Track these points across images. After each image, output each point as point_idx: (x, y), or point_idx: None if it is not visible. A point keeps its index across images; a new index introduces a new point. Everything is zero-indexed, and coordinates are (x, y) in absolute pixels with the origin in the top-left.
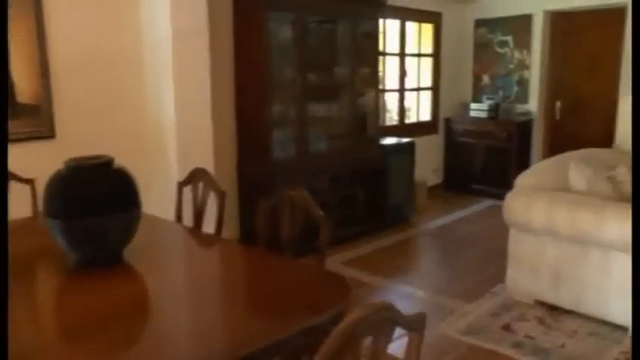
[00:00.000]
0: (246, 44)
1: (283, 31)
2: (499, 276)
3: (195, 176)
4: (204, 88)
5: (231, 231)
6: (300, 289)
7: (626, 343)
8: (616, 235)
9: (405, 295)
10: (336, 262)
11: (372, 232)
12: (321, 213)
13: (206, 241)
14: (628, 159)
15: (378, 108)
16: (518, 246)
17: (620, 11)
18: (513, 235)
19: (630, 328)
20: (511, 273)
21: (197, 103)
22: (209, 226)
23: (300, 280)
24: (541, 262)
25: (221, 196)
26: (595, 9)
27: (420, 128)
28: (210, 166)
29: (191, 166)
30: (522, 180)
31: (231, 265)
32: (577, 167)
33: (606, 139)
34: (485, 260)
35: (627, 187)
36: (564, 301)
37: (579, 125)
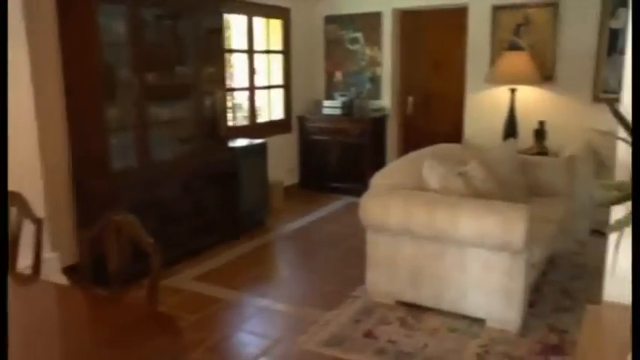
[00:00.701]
0: (73, 40)
1: (117, 27)
2: (360, 277)
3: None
4: (24, 91)
5: (69, 257)
6: (121, 338)
7: (484, 336)
8: (470, 231)
9: (262, 309)
10: (187, 278)
11: (227, 240)
12: (151, 240)
13: (14, 281)
14: (478, 154)
15: (226, 108)
16: (376, 247)
17: (462, 11)
18: (371, 236)
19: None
20: (370, 275)
21: (16, 109)
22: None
23: (123, 327)
24: (400, 262)
25: (38, 224)
26: (440, 8)
27: (272, 127)
28: (37, 184)
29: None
30: (377, 180)
31: (41, 312)
32: (430, 165)
33: (457, 134)
34: (345, 261)
35: (479, 183)
36: (424, 299)
37: (431, 120)
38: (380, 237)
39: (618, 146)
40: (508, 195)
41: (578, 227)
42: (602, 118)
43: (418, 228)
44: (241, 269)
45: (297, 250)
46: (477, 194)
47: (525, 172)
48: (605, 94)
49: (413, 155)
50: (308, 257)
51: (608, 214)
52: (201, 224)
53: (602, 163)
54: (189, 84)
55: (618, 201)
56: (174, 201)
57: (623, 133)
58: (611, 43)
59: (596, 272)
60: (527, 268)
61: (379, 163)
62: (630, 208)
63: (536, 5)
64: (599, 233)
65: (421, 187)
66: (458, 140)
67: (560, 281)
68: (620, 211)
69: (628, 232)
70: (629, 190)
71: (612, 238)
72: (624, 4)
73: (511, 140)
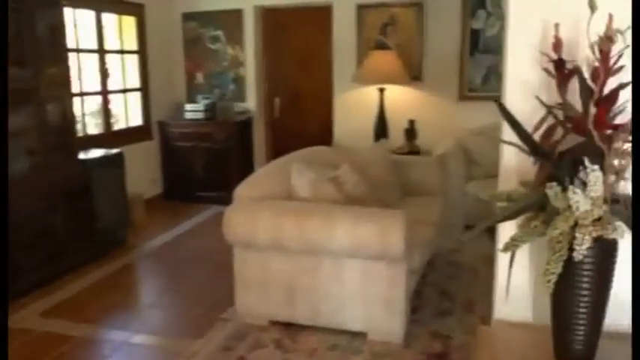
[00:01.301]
0: None
1: None
2: (230, 297)
3: None
4: None
5: None
6: None
7: (366, 350)
8: (345, 241)
9: (121, 345)
10: (33, 314)
11: (82, 265)
12: None
13: None
14: (349, 156)
15: (75, 115)
16: (245, 265)
17: (327, 9)
18: (238, 253)
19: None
20: (240, 295)
21: None
22: None
23: None
24: (271, 279)
25: None
26: (303, 6)
27: (131, 135)
28: None
29: None
30: (243, 191)
31: None
32: (299, 171)
33: (327, 135)
34: (214, 280)
35: (351, 187)
36: (300, 317)
37: (300, 122)
38: (248, 254)
39: (503, 150)
40: (382, 198)
41: (452, 224)
42: (469, 116)
43: (289, 241)
44: (98, 298)
45: (161, 270)
46: (350, 200)
47: (398, 172)
48: (470, 93)
49: (281, 161)
50: (173, 278)
51: (481, 209)
52: (51, 249)
53: (472, 160)
54: (27, 88)
55: (515, 215)
56: (18, 225)
57: (509, 135)
58: (473, 43)
59: (472, 270)
60: (408, 275)
61: (247, 168)
62: (517, 222)
63: (401, 5)
64: (473, 228)
65: (291, 196)
66: (329, 142)
67: (439, 282)
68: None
69: (524, 247)
70: (524, 201)
71: (502, 254)
72: (483, 6)
73: (382, 141)
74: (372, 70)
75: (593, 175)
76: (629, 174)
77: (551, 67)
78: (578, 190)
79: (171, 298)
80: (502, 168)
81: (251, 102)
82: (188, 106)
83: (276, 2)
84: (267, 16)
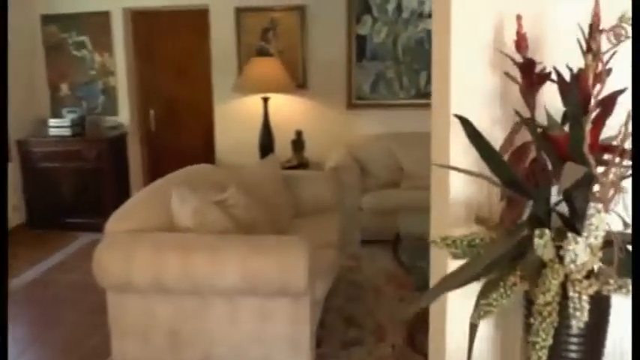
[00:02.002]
0: None
1: None
2: (107, 346)
3: None
4: None
5: None
6: None
7: None
8: (238, 277)
9: None
10: None
11: None
12: None
13: None
14: (236, 175)
15: None
16: (122, 311)
17: (203, 12)
18: (113, 298)
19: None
20: (118, 344)
21: None
22: None
23: None
24: (153, 325)
25: None
26: (178, 9)
27: None
28: None
29: None
30: (115, 225)
31: None
32: (180, 197)
33: (209, 149)
34: (89, 325)
35: (241, 212)
36: None
37: (178, 136)
38: (125, 298)
39: (443, 177)
40: (275, 220)
41: (349, 240)
42: (358, 124)
43: (172, 281)
44: None
45: (26, 316)
46: (242, 227)
47: (290, 189)
48: (359, 101)
49: (158, 185)
50: (41, 325)
51: (378, 223)
52: None
53: (365, 171)
54: None
55: (487, 271)
56: None
57: (455, 156)
58: (360, 50)
59: (374, 289)
60: (313, 308)
61: (122, 189)
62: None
63: (283, 9)
64: (370, 243)
65: (173, 227)
66: (211, 157)
67: (342, 307)
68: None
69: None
70: (495, 251)
71: (439, 310)
72: (369, 12)
73: (271, 156)
74: (254, 79)
75: (598, 217)
76: (614, 204)
77: (514, 70)
78: (580, 239)
79: (38, 352)
80: (439, 198)
81: (124, 115)
82: (52, 122)
83: (148, 4)
84: (138, 19)
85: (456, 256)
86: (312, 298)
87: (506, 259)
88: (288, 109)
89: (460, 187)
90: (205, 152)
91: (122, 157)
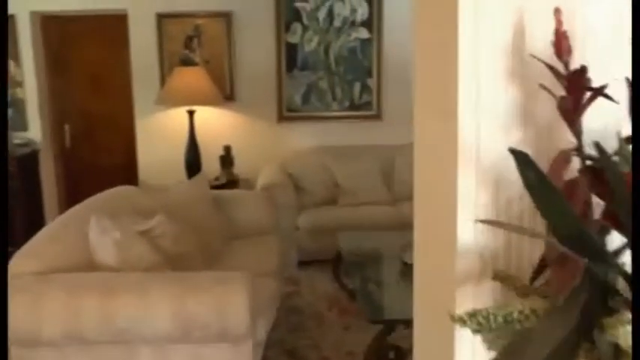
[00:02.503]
0: None
1: None
2: None
3: None
4: None
5: None
6: None
7: None
8: (169, 322)
9: None
10: None
11: None
12: None
13: None
14: (162, 198)
15: None
16: None
17: (122, 18)
18: (18, 354)
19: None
20: None
21: None
22: None
23: None
24: None
25: None
26: (93, 14)
27: None
28: None
29: None
30: (20, 265)
31: None
32: (100, 228)
33: (130, 168)
34: None
35: (170, 242)
36: None
37: (97, 153)
38: (34, 353)
39: (462, 220)
40: (206, 247)
41: (286, 263)
42: (290, 138)
43: (91, 331)
44: None
45: None
46: (172, 260)
47: (221, 211)
48: (290, 113)
49: (73, 212)
50: None
51: (314, 243)
52: None
53: (298, 187)
54: None
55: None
56: None
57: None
58: (291, 59)
59: (316, 316)
60: (255, 351)
61: (35, 214)
62: None
63: (207, 15)
64: (307, 264)
65: (92, 265)
66: (133, 175)
67: (283, 339)
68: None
69: None
70: (552, 336)
71: None
72: (299, 19)
73: (200, 175)
74: (178, 90)
75: None
76: None
77: (557, 84)
78: None
79: None
80: (439, 247)
81: (35, 130)
82: None
83: (59, 8)
84: (49, 25)
85: (478, 331)
86: (255, 341)
87: (569, 345)
88: (215, 123)
89: (469, 232)
90: (127, 170)
91: (34, 178)
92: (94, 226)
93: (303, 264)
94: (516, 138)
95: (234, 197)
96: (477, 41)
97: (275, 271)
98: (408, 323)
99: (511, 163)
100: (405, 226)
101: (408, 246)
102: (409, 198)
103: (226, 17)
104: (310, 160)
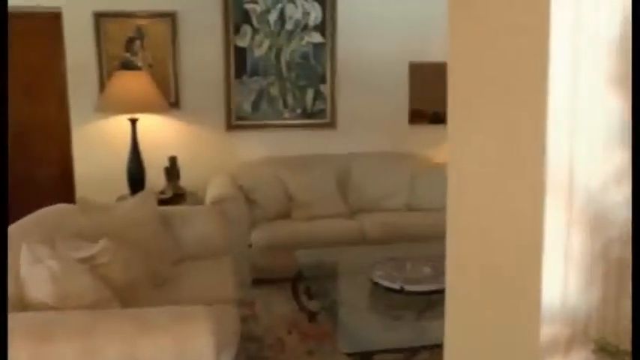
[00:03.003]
0: None
1: None
2: None
3: None
4: None
5: None
6: None
7: None
8: None
9: None
10: None
11: None
12: None
13: None
14: (103, 217)
15: None
16: None
17: (55, 17)
18: None
19: None
20: None
21: None
22: None
23: None
24: None
25: None
26: (22, 11)
27: None
28: None
29: None
30: None
31: None
32: (33, 257)
33: (66, 182)
34: None
35: (118, 271)
36: None
37: (28, 166)
38: None
39: (548, 271)
40: (156, 271)
41: (240, 283)
42: (239, 148)
43: None
44: None
45: None
46: (119, 293)
47: (170, 229)
48: (239, 121)
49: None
50: None
51: (270, 260)
52: None
53: (250, 200)
54: None
55: None
56: None
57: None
58: (240, 64)
59: (277, 342)
60: None
61: None
62: None
63: (149, 15)
64: (262, 283)
65: (23, 302)
66: (70, 190)
67: None
68: None
69: None
70: None
71: None
72: (248, 21)
73: (146, 191)
74: (119, 96)
75: None
76: None
77: None
78: None
79: None
80: (504, 302)
81: None
82: None
83: None
84: None
85: None
86: None
87: None
88: (159, 132)
89: (557, 288)
90: (63, 185)
91: None
92: (25, 255)
93: (256, 282)
94: (621, 161)
95: (183, 213)
96: (576, 34)
97: (233, 297)
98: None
99: (613, 195)
100: (366, 240)
101: (379, 264)
102: (366, 210)
103: (170, 18)
104: (262, 171)
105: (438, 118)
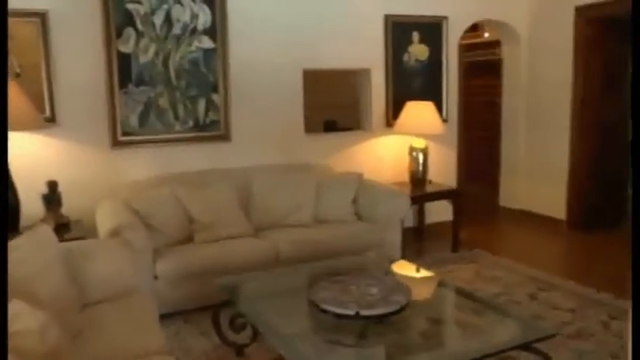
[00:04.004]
0: None
1: None
2: None
3: None
4: None
5: None
6: None
7: None
8: None
9: None
10: None
11: None
12: None
13: None
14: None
15: None
16: None
17: None
18: None
19: None
20: None
21: None
22: None
23: None
24: None
25: None
26: None
27: None
28: None
29: None
30: None
31: None
32: None
33: None
34: None
35: (33, 341)
36: None
37: None
38: None
39: None
40: (70, 330)
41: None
42: (128, 167)
43: None
44: None
45: None
46: None
47: (72, 270)
48: (125, 137)
49: None
50: None
51: (177, 291)
52: None
53: (148, 225)
54: None
55: None
56: None
57: None
58: (125, 72)
59: None
60: None
61: None
62: None
63: (14, 14)
64: (169, 317)
65: None
66: None
67: None
68: None
69: None
70: None
71: None
72: (131, 24)
73: (41, 226)
74: None
75: None
76: None
77: None
78: None
79: None
80: None
81: None
82: None
83: None
84: None
85: None
86: None
87: None
88: (34, 153)
89: None
90: None
91: None
92: None
93: (164, 317)
94: None
95: (81, 249)
96: None
97: (159, 348)
98: None
99: None
100: (280, 261)
101: (315, 286)
102: (272, 226)
103: (40, 18)
104: (155, 192)
105: (332, 126)
